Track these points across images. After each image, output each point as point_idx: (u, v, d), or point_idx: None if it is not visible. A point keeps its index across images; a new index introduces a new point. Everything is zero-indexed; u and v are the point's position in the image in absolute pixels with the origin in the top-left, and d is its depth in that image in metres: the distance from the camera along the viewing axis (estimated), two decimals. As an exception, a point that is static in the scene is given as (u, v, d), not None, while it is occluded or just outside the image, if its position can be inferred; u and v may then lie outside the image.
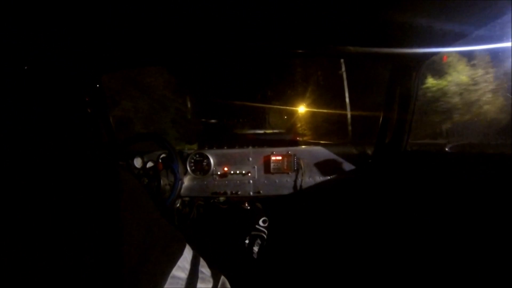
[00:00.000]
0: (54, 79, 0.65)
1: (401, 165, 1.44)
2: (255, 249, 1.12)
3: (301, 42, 1.25)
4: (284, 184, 1.68)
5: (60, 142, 0.64)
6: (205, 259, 0.61)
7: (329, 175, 1.65)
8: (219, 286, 0.59)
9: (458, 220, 0.96)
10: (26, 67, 0.60)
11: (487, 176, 0.90)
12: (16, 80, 0.60)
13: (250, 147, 1.71)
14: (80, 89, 1.19)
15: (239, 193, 1.69)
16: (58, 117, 0.64)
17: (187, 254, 0.57)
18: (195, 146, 1.78)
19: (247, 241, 1.24)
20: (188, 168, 1.70)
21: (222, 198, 1.72)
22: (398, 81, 1.42)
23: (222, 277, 0.62)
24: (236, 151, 1.70)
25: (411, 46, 1.25)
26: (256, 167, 1.68)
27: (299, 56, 1.49)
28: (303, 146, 1.70)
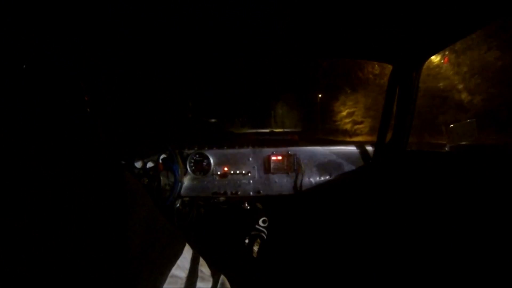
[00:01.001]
0: (53, 79, 0.65)
1: (401, 165, 1.44)
2: (255, 249, 1.13)
3: (299, 42, 1.25)
4: (284, 184, 1.68)
5: (60, 142, 0.65)
6: (205, 259, 0.61)
7: (329, 175, 1.65)
8: (218, 285, 0.59)
9: (459, 220, 0.96)
10: (24, 66, 0.60)
11: (488, 175, 0.90)
12: (14, 80, 0.60)
13: (250, 147, 1.71)
14: (80, 89, 1.19)
15: (239, 193, 1.69)
16: (57, 117, 0.64)
17: (187, 253, 0.57)
18: (195, 146, 1.78)
19: (247, 241, 1.24)
20: (188, 168, 1.70)
21: (222, 198, 1.72)
22: (398, 81, 1.42)
23: (222, 277, 0.62)
24: (236, 151, 1.70)
25: (410, 46, 1.25)
26: (256, 167, 1.69)
27: (295, 55, 1.49)
28: (303, 146, 1.70)
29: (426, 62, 1.35)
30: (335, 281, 1.53)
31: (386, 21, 1.04)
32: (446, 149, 1.32)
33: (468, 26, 1.02)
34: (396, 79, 1.42)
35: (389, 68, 1.47)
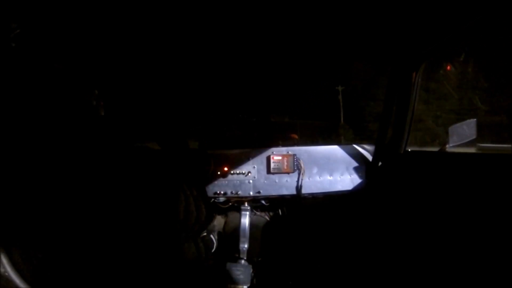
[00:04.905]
0: (60, 81, 0.65)
1: (401, 165, 1.44)
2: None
3: (300, 43, 1.26)
4: (284, 184, 1.68)
5: (68, 144, 0.65)
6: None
7: (329, 175, 1.66)
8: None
9: (459, 221, 0.96)
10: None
11: (487, 176, 0.90)
12: (26, 81, 0.61)
13: (250, 147, 1.72)
14: (87, 92, 1.19)
15: (239, 193, 1.69)
16: (65, 119, 0.65)
17: None
18: (196, 146, 1.79)
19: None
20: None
21: (222, 198, 1.72)
22: (398, 81, 1.42)
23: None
24: (236, 151, 1.71)
25: (411, 46, 1.25)
26: (256, 167, 1.69)
27: (296, 56, 1.49)
28: (303, 146, 1.70)
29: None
30: (335, 282, 1.54)
31: (386, 20, 1.04)
32: (447, 149, 1.32)
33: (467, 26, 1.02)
34: (396, 79, 1.42)
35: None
